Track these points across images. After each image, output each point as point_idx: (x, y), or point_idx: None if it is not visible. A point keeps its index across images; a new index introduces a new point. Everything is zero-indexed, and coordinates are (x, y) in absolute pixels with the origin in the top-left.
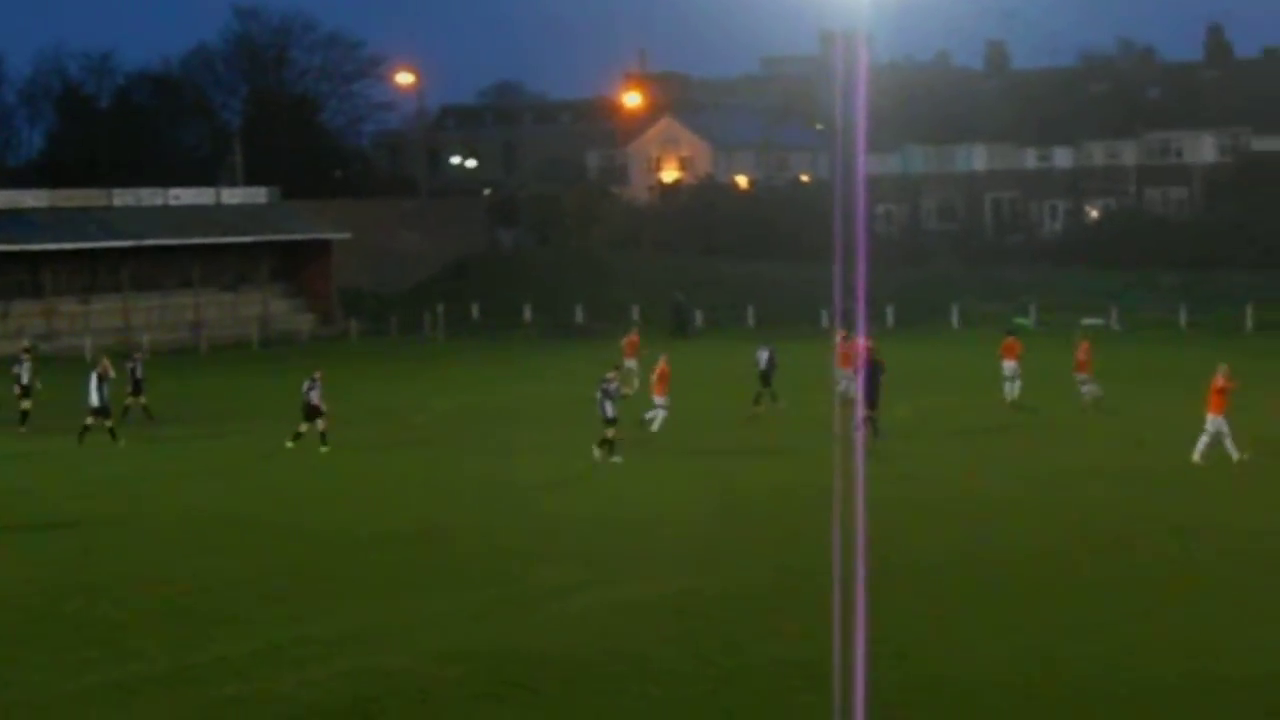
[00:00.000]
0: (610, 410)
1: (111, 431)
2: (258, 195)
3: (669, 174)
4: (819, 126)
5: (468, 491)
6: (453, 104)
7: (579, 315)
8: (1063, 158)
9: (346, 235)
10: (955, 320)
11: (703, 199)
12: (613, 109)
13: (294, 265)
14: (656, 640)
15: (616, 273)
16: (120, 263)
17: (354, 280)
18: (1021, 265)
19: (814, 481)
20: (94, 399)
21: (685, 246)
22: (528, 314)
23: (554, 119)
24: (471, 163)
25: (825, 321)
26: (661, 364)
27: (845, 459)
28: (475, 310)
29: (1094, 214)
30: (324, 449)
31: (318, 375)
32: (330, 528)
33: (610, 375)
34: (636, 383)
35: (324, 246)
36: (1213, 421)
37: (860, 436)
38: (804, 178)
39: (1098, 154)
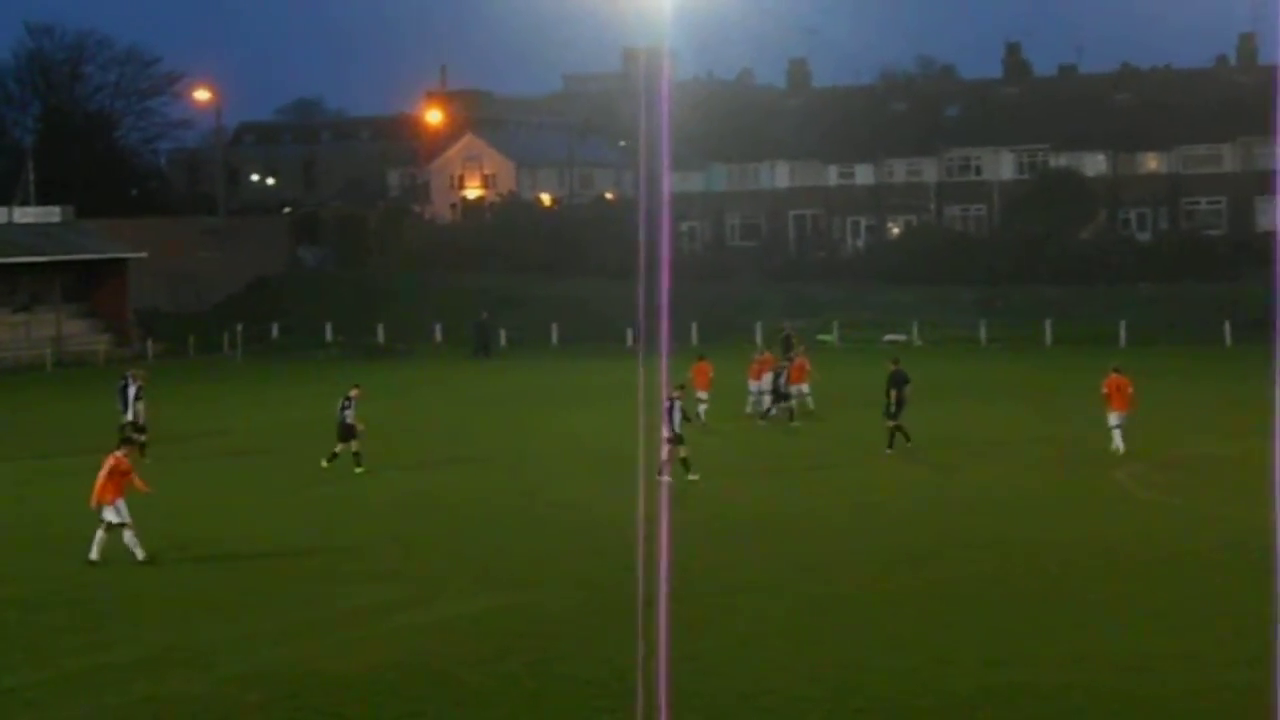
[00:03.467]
0: (676, 427)
1: None
2: (51, 214)
3: (472, 192)
4: (623, 144)
5: (272, 511)
6: (251, 121)
7: (380, 335)
8: (864, 175)
9: (143, 254)
10: (759, 337)
11: (506, 217)
12: (414, 126)
13: (89, 285)
14: (463, 660)
15: (419, 292)
16: None
17: (151, 300)
18: (825, 282)
19: (623, 498)
20: None
21: (489, 265)
22: (329, 333)
23: (354, 136)
24: (271, 181)
25: (630, 340)
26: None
27: (652, 477)
28: (275, 330)
29: (895, 230)
30: (359, 470)
31: (354, 394)
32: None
33: (676, 393)
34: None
35: (120, 266)
36: (1116, 416)
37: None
38: (608, 195)
39: (899, 171)
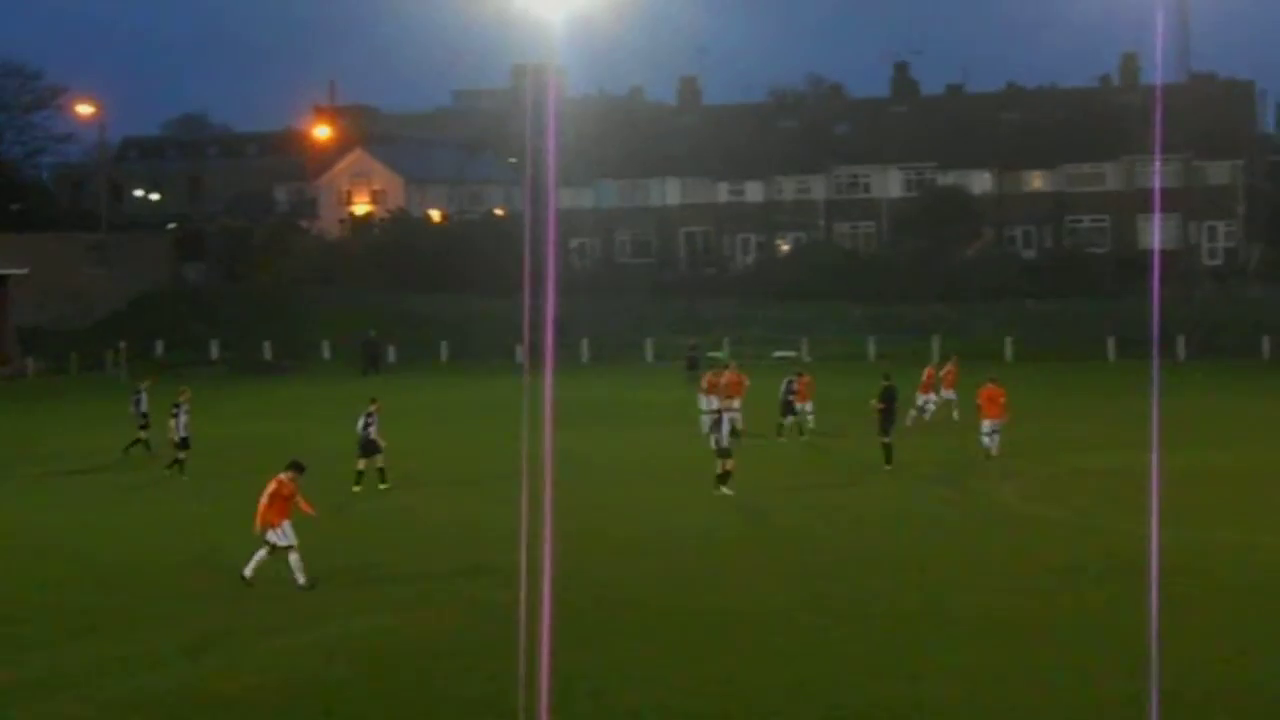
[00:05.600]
0: (726, 440)
1: None
2: None
3: (360, 208)
4: (513, 160)
5: (152, 531)
6: (135, 136)
7: (268, 352)
8: (754, 192)
9: (24, 270)
10: (649, 354)
11: (395, 233)
12: (302, 142)
13: None
14: (347, 680)
15: (307, 308)
16: None
17: (32, 317)
18: (715, 299)
19: (509, 514)
20: None
21: (378, 281)
22: (215, 351)
23: (241, 151)
24: (155, 196)
25: (519, 357)
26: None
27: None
28: (160, 347)
29: (785, 248)
30: (383, 486)
31: (374, 409)
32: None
33: (734, 406)
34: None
35: (0, 282)
36: (989, 424)
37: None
38: (498, 211)
39: (788, 188)
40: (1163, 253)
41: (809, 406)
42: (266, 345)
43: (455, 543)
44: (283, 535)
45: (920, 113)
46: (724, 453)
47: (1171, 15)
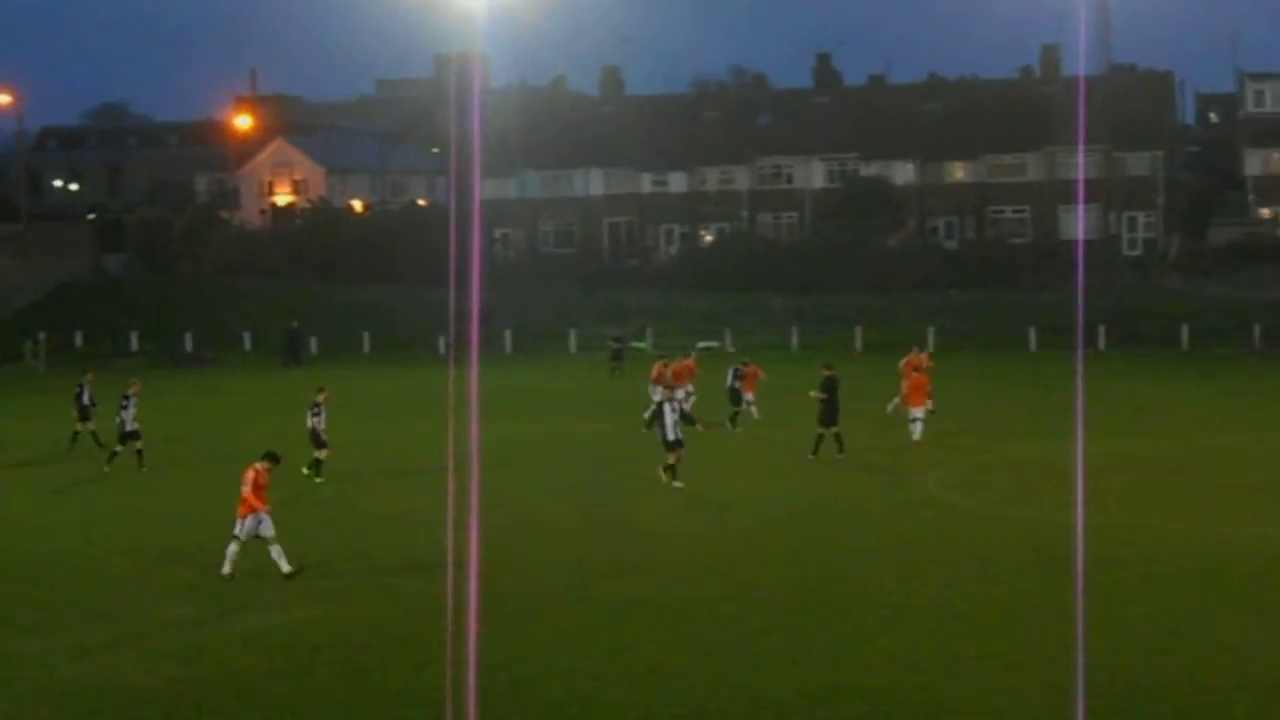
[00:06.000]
0: (673, 432)
1: None
2: None
3: (282, 198)
4: (436, 150)
5: (73, 523)
6: (54, 125)
7: (189, 343)
8: (678, 182)
9: None
10: (573, 345)
11: (317, 223)
12: (223, 131)
13: None
14: (271, 673)
15: (228, 299)
16: None
17: None
18: (639, 289)
19: (434, 506)
20: None
21: (300, 271)
22: (135, 342)
23: (161, 141)
24: (74, 186)
25: (443, 347)
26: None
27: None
28: (79, 338)
29: (709, 238)
30: (306, 472)
31: (321, 399)
32: None
33: (676, 395)
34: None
35: None
36: (915, 410)
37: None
38: (421, 202)
39: (712, 179)
40: (1084, 243)
41: (751, 397)
42: (187, 336)
43: (382, 534)
44: (242, 526)
45: (843, 104)
46: (673, 445)
47: (1092, 7)
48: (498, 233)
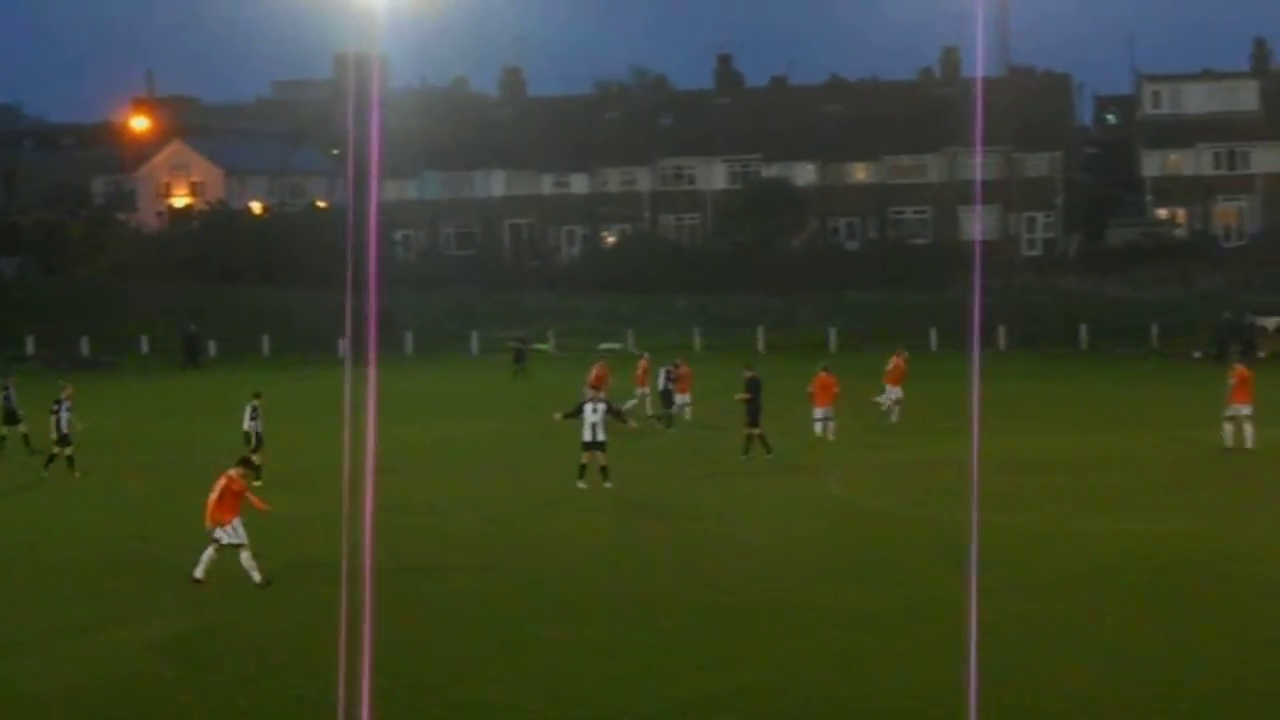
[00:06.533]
0: (594, 434)
1: None
2: None
3: (180, 200)
4: (335, 152)
5: None
6: None
7: (85, 347)
8: (579, 184)
9: None
10: (475, 347)
11: (215, 225)
12: (120, 133)
13: None
14: (170, 679)
15: (125, 302)
16: None
17: None
18: (540, 290)
19: (333, 510)
20: None
21: (198, 274)
22: (30, 346)
23: (57, 143)
24: None
25: (342, 350)
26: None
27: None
28: None
29: (610, 240)
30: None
31: (257, 403)
32: None
33: (600, 397)
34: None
35: None
36: (820, 411)
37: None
38: (320, 204)
39: (613, 180)
40: (983, 243)
41: (686, 398)
42: (84, 340)
43: (281, 538)
44: (232, 534)
45: (744, 105)
46: (595, 446)
47: (991, 9)
48: (398, 234)
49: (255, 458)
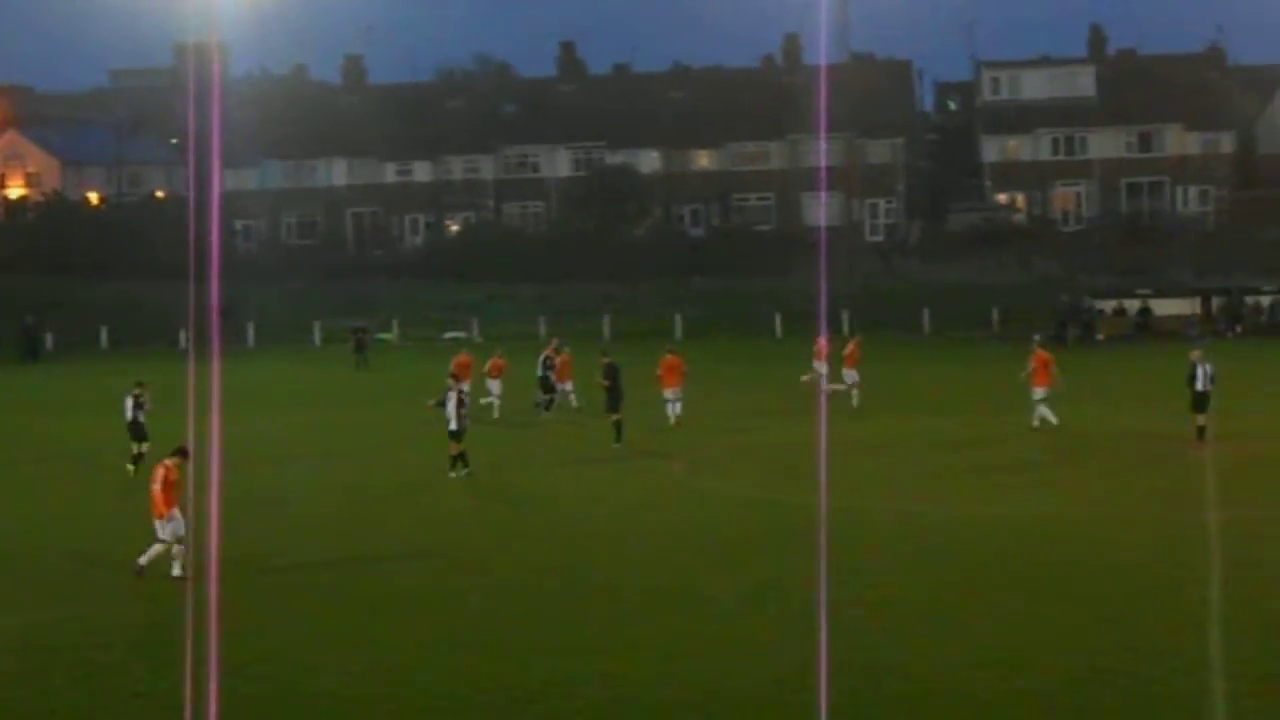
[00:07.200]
0: (456, 422)
1: None
2: None
3: (14, 191)
4: (174, 141)
5: None
6: None
7: None
8: (423, 172)
9: None
10: (317, 337)
11: (51, 217)
12: None
13: None
14: (4, 677)
15: None
16: None
17: None
18: (384, 280)
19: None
20: None
21: (33, 267)
22: None
23: None
24: None
25: (184, 341)
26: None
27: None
28: None
29: (455, 228)
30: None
31: (140, 392)
32: None
33: (463, 388)
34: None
35: None
36: (670, 392)
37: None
38: (159, 194)
39: (457, 168)
40: (827, 229)
41: (568, 386)
42: None
43: (122, 531)
44: (163, 529)
45: (588, 92)
46: (455, 435)
47: None
48: (238, 224)
49: (143, 448)
